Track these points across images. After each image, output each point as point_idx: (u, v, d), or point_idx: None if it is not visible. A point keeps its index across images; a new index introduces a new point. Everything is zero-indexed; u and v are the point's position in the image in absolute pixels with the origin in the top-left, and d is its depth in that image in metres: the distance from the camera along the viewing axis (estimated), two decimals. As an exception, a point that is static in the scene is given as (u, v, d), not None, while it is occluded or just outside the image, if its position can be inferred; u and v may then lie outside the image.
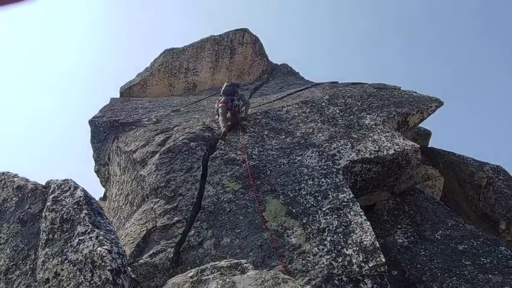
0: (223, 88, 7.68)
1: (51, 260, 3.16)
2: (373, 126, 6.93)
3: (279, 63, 14.19)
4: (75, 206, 3.42)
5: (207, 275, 3.94)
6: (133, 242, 5.20)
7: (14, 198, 4.01)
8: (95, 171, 9.44)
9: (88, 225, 3.23)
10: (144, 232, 5.27)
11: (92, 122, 9.18)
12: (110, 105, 10.59)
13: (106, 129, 8.82)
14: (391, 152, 6.21)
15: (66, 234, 3.27)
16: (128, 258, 4.92)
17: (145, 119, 8.66)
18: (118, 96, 12.30)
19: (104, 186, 9.88)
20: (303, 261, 4.59)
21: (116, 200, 7.44)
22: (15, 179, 4.22)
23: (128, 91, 12.32)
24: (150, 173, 6.15)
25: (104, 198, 11.44)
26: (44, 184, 4.10)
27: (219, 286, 3.47)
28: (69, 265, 3.12)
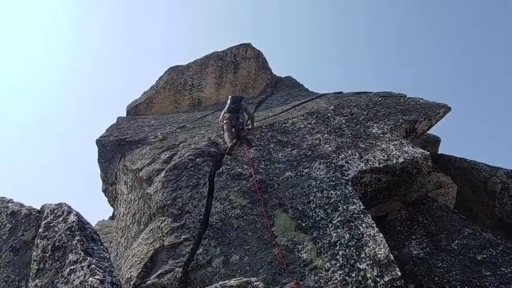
0: (227, 105, 7.64)
1: None
2: (381, 135, 6.81)
3: (282, 76, 14.24)
4: (67, 232, 3.28)
5: (217, 295, 3.82)
6: (140, 262, 5.11)
7: (8, 225, 3.88)
8: (103, 191, 9.43)
9: (80, 253, 3.08)
10: (152, 252, 5.19)
11: (98, 142, 9.22)
12: (116, 124, 10.66)
13: (113, 148, 8.83)
14: (401, 160, 6.08)
15: (58, 263, 3.13)
16: (135, 279, 4.82)
17: (152, 137, 8.67)
18: (125, 115, 12.41)
19: (111, 205, 9.85)
20: (315, 278, 4.43)
21: (124, 219, 7.38)
22: (9, 204, 4.08)
23: (134, 109, 12.42)
24: (156, 191, 6.10)
25: (113, 217, 11.41)
26: (38, 209, 3.98)
27: (228, 307, 3.34)
28: None
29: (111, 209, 11.26)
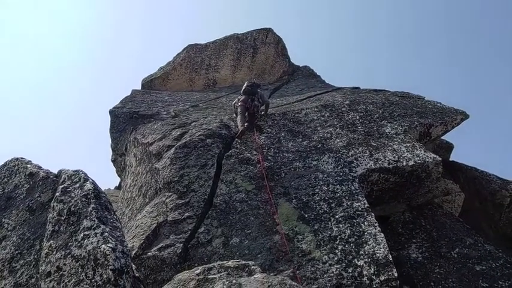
0: (244, 87, 7.60)
1: (54, 253, 3.09)
2: (394, 136, 6.73)
3: (300, 65, 14.07)
4: (83, 199, 3.35)
5: (214, 274, 3.90)
6: (143, 234, 5.22)
7: (25, 185, 3.97)
8: (112, 161, 9.58)
9: (94, 220, 3.13)
10: (155, 225, 5.29)
11: (112, 112, 9.32)
12: (130, 96, 10.73)
13: (125, 120, 8.93)
14: (411, 163, 6.02)
15: (72, 227, 3.19)
16: (137, 249, 4.95)
17: (164, 113, 8.72)
18: (139, 88, 12.47)
19: (119, 175, 10.02)
20: (312, 269, 4.49)
21: (130, 190, 7.52)
22: (28, 165, 4.16)
23: (149, 84, 12.46)
24: (164, 167, 6.18)
25: (119, 187, 11.64)
26: (55, 173, 4.06)
27: (225, 287, 3.41)
28: (72, 260, 3.05)
29: (118, 179, 11.48)
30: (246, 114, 7.18)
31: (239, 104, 7.27)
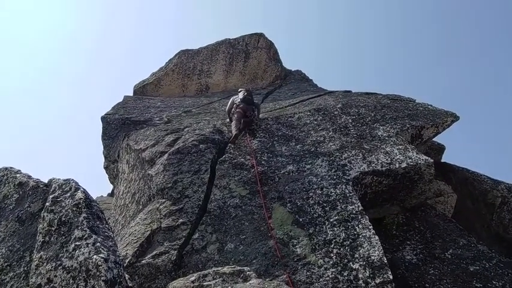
0: (244, 96, 7.51)
1: (45, 264, 3.02)
2: (386, 138, 6.78)
3: (292, 69, 14.14)
4: (74, 209, 3.28)
5: (209, 280, 3.86)
6: (137, 241, 5.16)
7: (15, 195, 3.90)
8: (104, 168, 9.48)
9: (86, 230, 3.06)
10: (149, 232, 5.24)
11: (104, 119, 9.24)
12: (122, 102, 10.65)
13: (117, 127, 8.86)
14: (404, 165, 6.07)
15: (63, 237, 3.13)
16: (130, 257, 4.88)
17: (157, 119, 8.68)
18: (131, 94, 12.40)
19: (112, 183, 9.92)
20: (308, 273, 4.48)
21: (123, 197, 7.44)
22: (18, 175, 4.08)
23: (141, 89, 12.40)
24: (157, 173, 6.13)
25: (112, 194, 11.52)
26: (46, 182, 4.00)
27: (220, 293, 3.38)
28: (63, 272, 2.98)
29: (111, 186, 11.36)
30: (242, 121, 7.15)
31: (237, 110, 7.22)
